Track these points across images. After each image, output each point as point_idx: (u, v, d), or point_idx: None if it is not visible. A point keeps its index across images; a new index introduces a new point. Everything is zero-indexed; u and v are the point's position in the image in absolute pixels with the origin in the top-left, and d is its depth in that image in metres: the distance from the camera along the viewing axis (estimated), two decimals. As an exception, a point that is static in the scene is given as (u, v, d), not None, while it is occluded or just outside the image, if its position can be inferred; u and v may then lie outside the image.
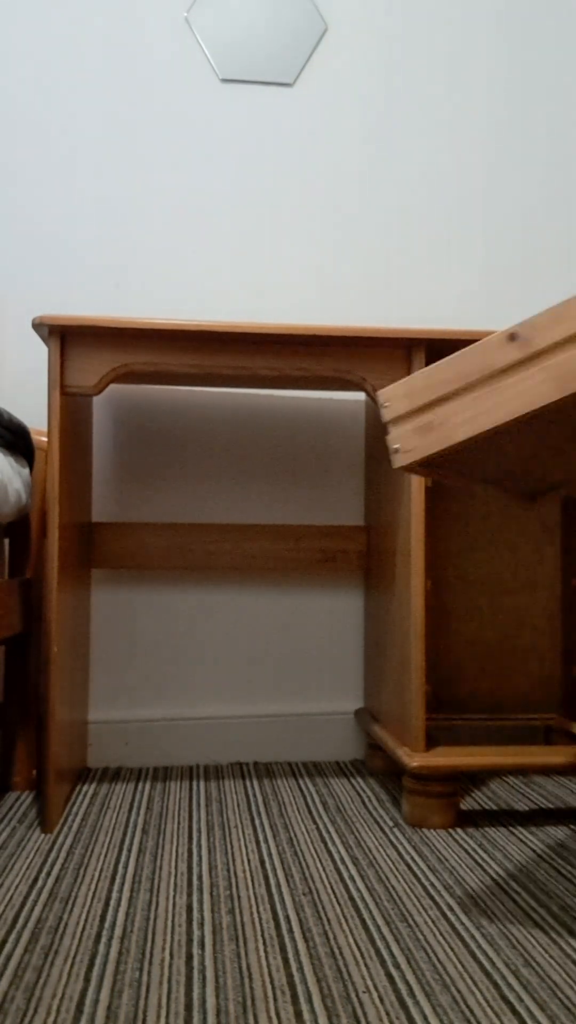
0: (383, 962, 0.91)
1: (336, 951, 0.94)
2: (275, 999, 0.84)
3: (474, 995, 0.84)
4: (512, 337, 0.96)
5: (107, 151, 1.78)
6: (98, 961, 0.91)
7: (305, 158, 1.84)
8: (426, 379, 1.00)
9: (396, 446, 1.01)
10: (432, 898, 1.08)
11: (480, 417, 0.98)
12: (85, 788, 1.55)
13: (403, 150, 1.87)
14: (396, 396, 1.00)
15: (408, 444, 1.01)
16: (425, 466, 1.02)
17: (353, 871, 1.17)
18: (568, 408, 0.92)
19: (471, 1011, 0.81)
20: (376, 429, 1.68)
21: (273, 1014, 0.81)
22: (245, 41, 1.81)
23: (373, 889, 1.11)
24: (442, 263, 1.87)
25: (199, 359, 1.41)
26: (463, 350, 0.99)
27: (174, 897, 1.08)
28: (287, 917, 1.02)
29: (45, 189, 1.76)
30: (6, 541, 1.56)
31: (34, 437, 1.54)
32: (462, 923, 1.01)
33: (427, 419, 1.00)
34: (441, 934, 0.98)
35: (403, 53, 1.87)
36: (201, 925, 1.00)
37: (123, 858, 1.21)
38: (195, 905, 1.06)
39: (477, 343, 1.00)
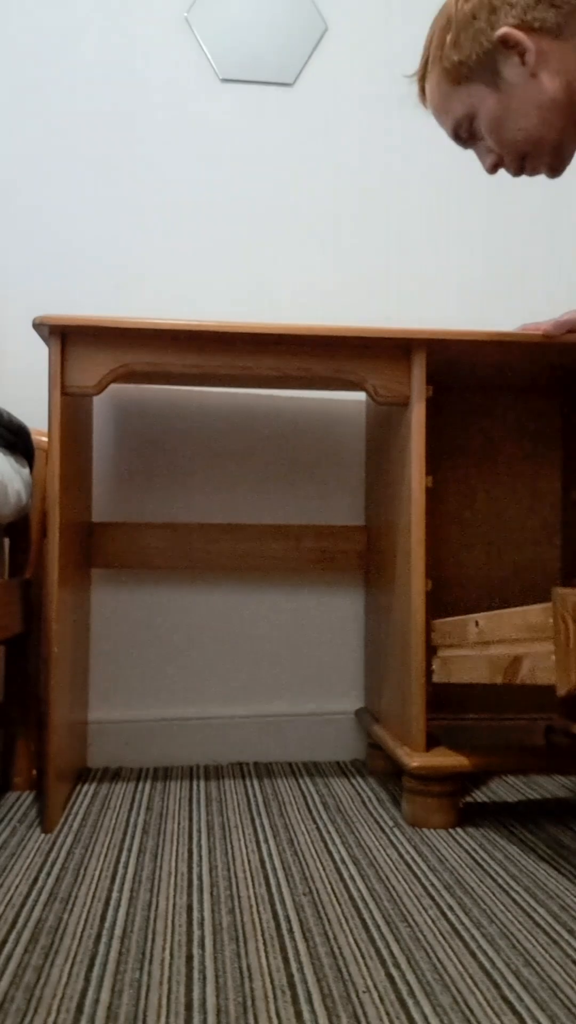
0: (383, 962, 0.91)
1: (336, 951, 0.94)
2: (275, 999, 0.84)
3: (474, 995, 0.84)
4: (476, 623, 1.28)
5: (107, 151, 1.78)
6: (98, 961, 0.91)
7: (305, 158, 1.84)
8: (442, 625, 1.36)
9: (433, 667, 1.41)
10: (432, 898, 1.08)
11: (454, 670, 1.34)
12: (85, 788, 1.55)
13: (403, 150, 1.87)
14: (436, 631, 1.38)
15: (438, 669, 1.40)
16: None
17: (353, 871, 1.17)
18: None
19: (471, 1011, 0.81)
20: (376, 429, 1.68)
21: (273, 1014, 0.81)
22: (245, 41, 1.81)
23: (373, 889, 1.11)
24: (443, 263, 1.87)
25: (199, 359, 1.41)
26: (459, 618, 1.31)
27: (174, 897, 1.08)
28: (287, 917, 1.02)
29: (45, 189, 1.76)
30: (6, 541, 1.56)
31: (34, 437, 1.54)
32: (462, 923, 1.01)
33: (443, 655, 1.38)
34: (441, 934, 0.98)
35: (403, 53, 1.87)
36: (201, 925, 1.00)
37: (123, 858, 1.21)
38: (195, 905, 1.06)
39: (462, 619, 1.30)
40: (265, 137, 1.83)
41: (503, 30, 1.10)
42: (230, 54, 1.81)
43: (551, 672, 1.03)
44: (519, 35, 1.10)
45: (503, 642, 1.18)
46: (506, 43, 1.11)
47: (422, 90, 1.24)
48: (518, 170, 1.22)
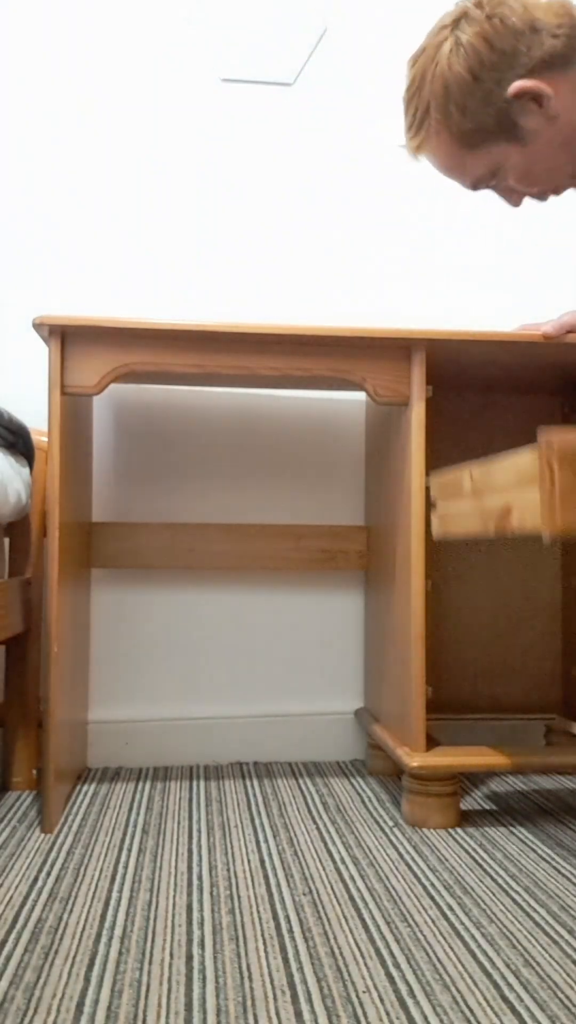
0: (383, 962, 0.91)
1: (336, 951, 0.94)
2: (275, 999, 0.84)
3: (474, 995, 0.84)
4: (471, 475, 1.27)
5: (106, 150, 1.78)
6: (98, 961, 0.91)
7: (305, 158, 1.84)
8: (439, 478, 1.32)
9: (435, 522, 1.35)
10: (432, 898, 1.08)
11: (451, 525, 1.30)
12: (85, 788, 1.55)
13: (403, 150, 1.87)
14: (433, 485, 1.34)
15: (436, 527, 1.36)
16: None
17: (353, 871, 1.17)
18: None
19: (471, 1011, 0.81)
20: (376, 429, 1.68)
21: (273, 1014, 0.81)
22: (245, 41, 1.81)
23: (373, 889, 1.11)
24: (443, 263, 1.87)
25: (199, 359, 1.41)
26: (455, 471, 1.28)
27: (174, 897, 1.08)
28: (287, 917, 1.02)
29: (45, 189, 1.76)
30: (6, 541, 1.56)
31: (34, 437, 1.54)
32: (462, 923, 1.01)
33: (440, 512, 1.34)
34: (441, 934, 0.98)
35: (403, 52, 1.87)
36: (201, 925, 1.00)
37: (123, 858, 1.21)
38: (195, 905, 1.06)
39: (459, 470, 1.28)
40: (265, 137, 1.83)
41: (517, 85, 1.03)
42: (230, 54, 1.81)
43: (539, 519, 1.03)
44: (534, 85, 1.03)
45: (495, 492, 1.17)
46: (522, 96, 1.04)
47: (417, 149, 1.16)
48: (547, 198, 1.18)
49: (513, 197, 1.18)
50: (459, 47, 1.05)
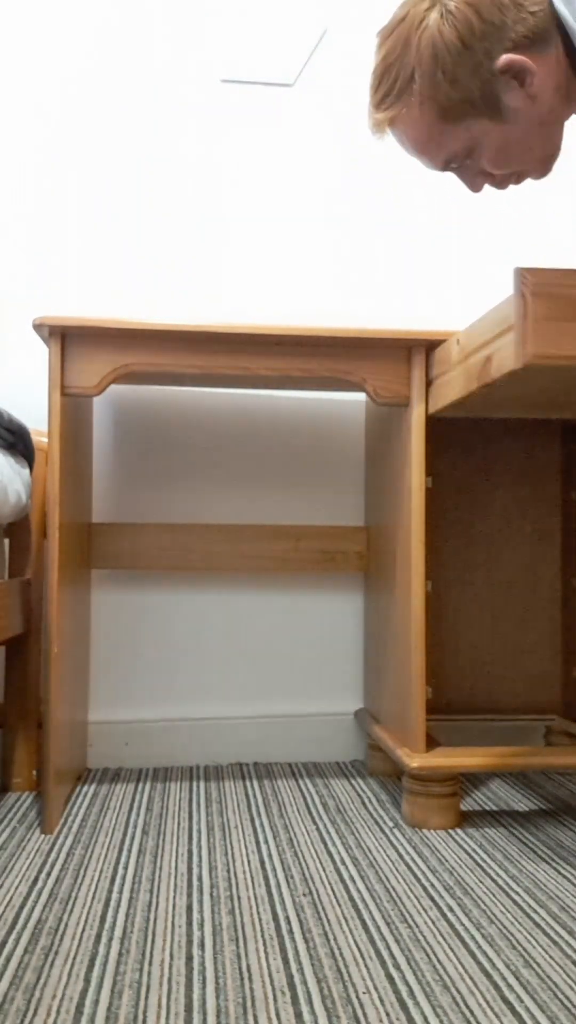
0: (383, 963, 0.91)
1: (336, 952, 0.94)
2: (275, 1000, 0.84)
3: (474, 996, 0.84)
4: (457, 341, 1.30)
5: (106, 151, 1.78)
6: (98, 962, 0.91)
7: (305, 158, 1.84)
8: (436, 355, 1.40)
9: (429, 400, 1.44)
10: (432, 898, 1.08)
11: (440, 396, 1.37)
12: (85, 788, 1.55)
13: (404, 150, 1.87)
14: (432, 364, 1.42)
15: (431, 401, 1.43)
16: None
17: (353, 872, 1.17)
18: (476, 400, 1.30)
19: (471, 1012, 0.81)
20: (376, 429, 1.68)
21: (273, 1015, 0.81)
22: (245, 41, 1.81)
23: (373, 890, 1.11)
24: (443, 263, 1.87)
25: (199, 360, 1.41)
26: (447, 342, 1.34)
27: (174, 898, 1.08)
28: (287, 918, 1.02)
29: (45, 189, 1.76)
30: (6, 541, 1.56)
31: (34, 437, 1.54)
32: (462, 923, 1.01)
33: (435, 388, 1.40)
34: (441, 934, 0.98)
35: (403, 53, 1.87)
36: (201, 926, 1.00)
37: (123, 858, 1.21)
38: (195, 906, 1.06)
39: (448, 341, 1.34)
40: (265, 137, 1.83)
41: (506, 58, 1.00)
42: (230, 54, 1.81)
43: (512, 354, 1.08)
44: (522, 60, 1.00)
45: (478, 349, 1.21)
46: (508, 71, 1.01)
47: (388, 123, 1.10)
48: (508, 186, 1.15)
49: (478, 180, 1.14)
50: (449, 14, 1.02)
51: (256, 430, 1.80)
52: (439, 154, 1.11)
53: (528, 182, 1.22)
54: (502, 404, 1.43)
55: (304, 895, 1.09)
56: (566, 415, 1.68)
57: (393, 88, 1.07)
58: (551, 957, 0.93)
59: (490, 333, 1.19)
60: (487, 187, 1.19)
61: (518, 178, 1.16)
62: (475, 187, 1.16)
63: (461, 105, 1.04)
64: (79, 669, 1.59)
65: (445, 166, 1.13)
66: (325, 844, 1.28)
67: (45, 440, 1.55)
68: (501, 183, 1.15)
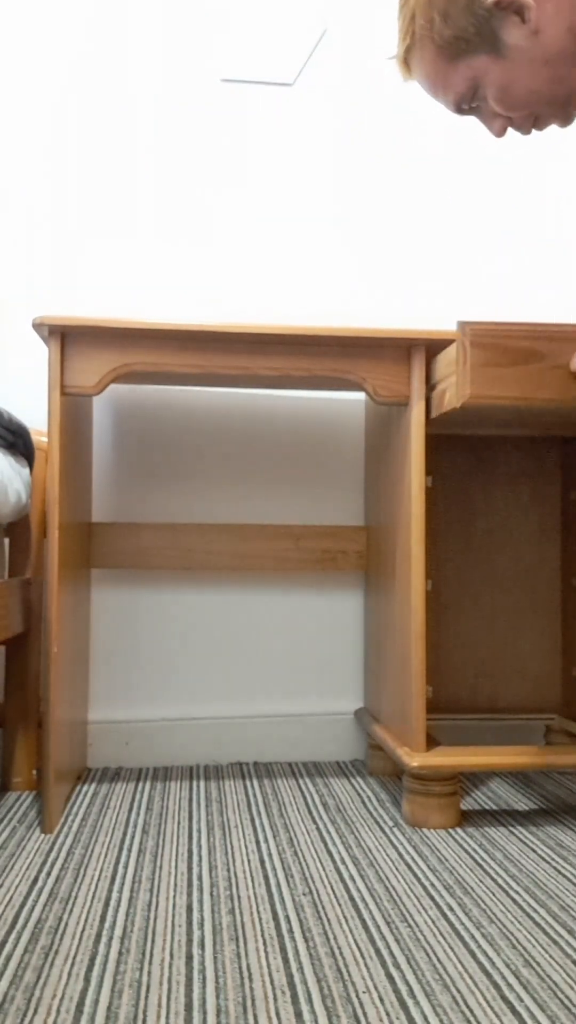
0: (383, 962, 0.91)
1: (336, 951, 0.94)
2: (275, 999, 0.84)
3: (474, 995, 0.84)
4: (435, 370, 1.38)
5: (106, 150, 1.78)
6: (98, 961, 0.91)
7: (305, 158, 1.84)
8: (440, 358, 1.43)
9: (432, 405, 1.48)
10: (432, 898, 1.08)
11: (435, 406, 1.42)
12: (85, 788, 1.55)
13: (404, 149, 1.87)
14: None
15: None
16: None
17: (353, 871, 1.17)
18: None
19: (471, 1011, 0.81)
20: (376, 429, 1.68)
21: (273, 1014, 0.81)
22: (245, 41, 1.81)
23: (373, 889, 1.11)
24: (443, 263, 1.87)
25: (199, 359, 1.41)
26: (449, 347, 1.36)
27: (174, 897, 1.08)
28: (287, 917, 1.02)
29: (44, 189, 1.76)
30: (6, 541, 1.56)
31: (34, 437, 1.54)
32: (462, 923, 1.01)
33: (438, 388, 1.42)
34: (441, 934, 0.98)
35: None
36: (201, 925, 1.00)
37: (123, 858, 1.21)
38: (195, 905, 1.06)
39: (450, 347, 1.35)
40: (265, 137, 1.83)
41: None
42: (230, 54, 1.81)
43: (455, 394, 1.26)
44: None
45: (440, 381, 1.37)
46: (502, 5, 1.02)
47: (406, 68, 1.15)
48: (529, 130, 1.14)
49: (496, 124, 1.14)
50: None
51: (256, 430, 1.80)
52: (448, 94, 1.13)
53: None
54: (482, 423, 1.58)
55: (304, 894, 1.09)
56: (554, 432, 1.69)
57: (402, 30, 1.13)
58: (551, 956, 0.93)
59: (445, 371, 1.33)
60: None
61: (537, 123, 1.13)
62: (494, 130, 1.15)
63: (456, 43, 1.06)
64: (79, 669, 1.59)
65: (458, 107, 1.14)
66: (325, 843, 1.28)
67: (45, 440, 1.55)
68: (520, 126, 1.14)
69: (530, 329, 1.25)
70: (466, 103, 1.13)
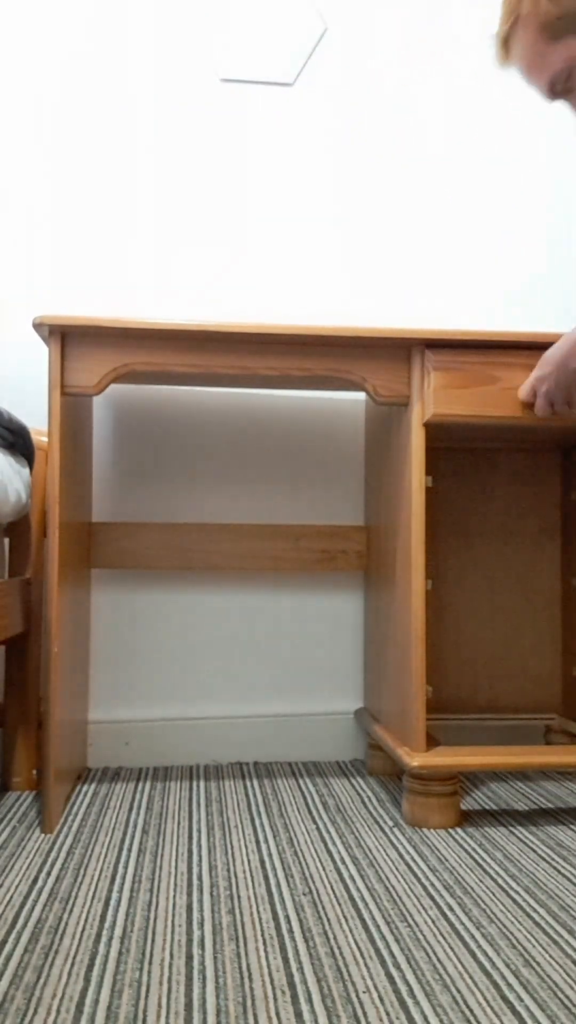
0: (383, 962, 0.91)
1: (336, 951, 0.94)
2: (275, 999, 0.84)
3: (474, 995, 0.84)
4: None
5: (106, 151, 1.78)
6: (98, 961, 0.91)
7: (305, 158, 1.84)
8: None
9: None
10: (432, 898, 1.08)
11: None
12: (85, 788, 1.55)
13: (403, 149, 1.87)
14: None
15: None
16: None
17: (353, 871, 1.17)
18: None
19: (471, 1011, 0.81)
20: (376, 429, 1.68)
21: (273, 1014, 0.81)
22: (245, 41, 1.81)
23: (373, 889, 1.11)
24: (444, 263, 1.87)
25: (199, 359, 1.41)
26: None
27: (174, 897, 1.08)
28: (287, 917, 1.02)
29: (44, 189, 1.76)
30: (6, 541, 1.56)
31: (34, 437, 1.54)
32: (462, 923, 1.01)
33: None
34: (441, 934, 0.98)
35: (403, 52, 1.87)
36: (201, 925, 1.00)
37: (123, 858, 1.21)
38: (195, 905, 1.06)
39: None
40: (265, 137, 1.83)
41: None
42: (230, 54, 1.81)
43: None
44: None
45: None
46: None
47: (505, 50, 1.18)
48: None
49: None
50: None
51: (256, 430, 1.80)
52: (543, 75, 1.16)
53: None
54: (475, 439, 1.67)
55: (304, 894, 1.09)
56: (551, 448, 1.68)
57: (506, 11, 1.15)
58: (551, 956, 0.93)
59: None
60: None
61: None
62: None
63: (560, 21, 1.10)
64: (79, 668, 1.59)
65: (551, 87, 1.17)
66: (325, 843, 1.28)
67: (45, 440, 1.56)
68: None
69: (484, 357, 1.41)
70: (560, 83, 1.16)
